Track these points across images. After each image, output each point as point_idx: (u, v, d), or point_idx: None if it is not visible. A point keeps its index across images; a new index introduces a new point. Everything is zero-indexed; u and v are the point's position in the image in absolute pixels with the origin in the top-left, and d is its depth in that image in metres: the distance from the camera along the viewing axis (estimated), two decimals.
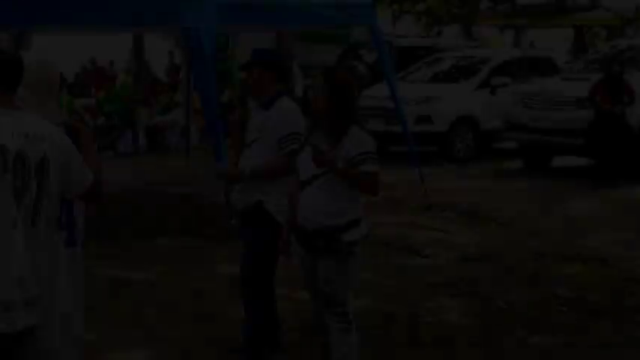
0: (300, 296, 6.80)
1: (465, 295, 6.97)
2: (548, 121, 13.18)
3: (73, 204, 3.64)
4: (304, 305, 6.62)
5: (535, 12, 31.70)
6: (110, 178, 13.40)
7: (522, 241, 8.77)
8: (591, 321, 6.35)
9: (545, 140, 13.32)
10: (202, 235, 9.01)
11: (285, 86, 5.60)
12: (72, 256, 3.71)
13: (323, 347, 4.98)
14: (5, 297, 3.15)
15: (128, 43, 27.63)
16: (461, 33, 27.82)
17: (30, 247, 3.19)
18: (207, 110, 9.04)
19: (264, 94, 5.35)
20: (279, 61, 5.80)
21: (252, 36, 15.67)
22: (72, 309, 3.69)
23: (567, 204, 10.98)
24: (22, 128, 3.23)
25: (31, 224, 3.19)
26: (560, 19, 31.23)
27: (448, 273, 7.66)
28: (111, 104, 17.59)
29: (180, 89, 17.55)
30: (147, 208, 10.69)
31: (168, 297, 6.91)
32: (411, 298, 6.93)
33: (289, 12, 9.74)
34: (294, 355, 5.66)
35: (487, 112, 15.05)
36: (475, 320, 6.38)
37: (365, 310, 6.59)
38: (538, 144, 13.60)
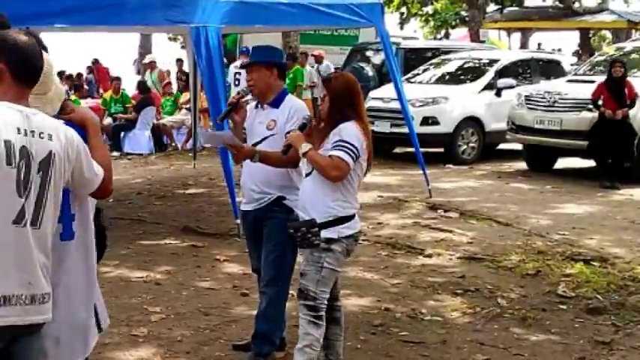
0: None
1: (467, 294, 7.02)
2: (553, 123, 13.22)
3: (69, 195, 3.37)
4: None
5: (543, 15, 31.71)
6: (116, 178, 13.47)
7: (524, 241, 8.80)
8: (591, 319, 6.40)
9: (549, 142, 13.36)
10: (207, 234, 9.08)
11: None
12: (66, 249, 3.38)
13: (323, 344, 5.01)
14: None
15: (135, 43, 27.59)
16: (467, 36, 27.88)
17: (32, 246, 3.04)
18: (214, 111, 9.08)
19: (272, 92, 5.33)
20: (282, 58, 5.85)
21: (258, 36, 15.76)
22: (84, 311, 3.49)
23: (569, 205, 11.00)
24: (30, 125, 3.07)
25: (31, 222, 3.05)
26: (568, 23, 31.22)
27: (450, 272, 7.71)
28: (117, 105, 17.65)
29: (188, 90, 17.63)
30: (152, 208, 10.76)
31: (173, 295, 6.96)
32: (413, 296, 6.98)
33: (296, 12, 9.80)
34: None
35: (492, 113, 15.11)
36: (476, 318, 6.42)
37: (367, 308, 6.66)
38: (542, 145, 13.65)
